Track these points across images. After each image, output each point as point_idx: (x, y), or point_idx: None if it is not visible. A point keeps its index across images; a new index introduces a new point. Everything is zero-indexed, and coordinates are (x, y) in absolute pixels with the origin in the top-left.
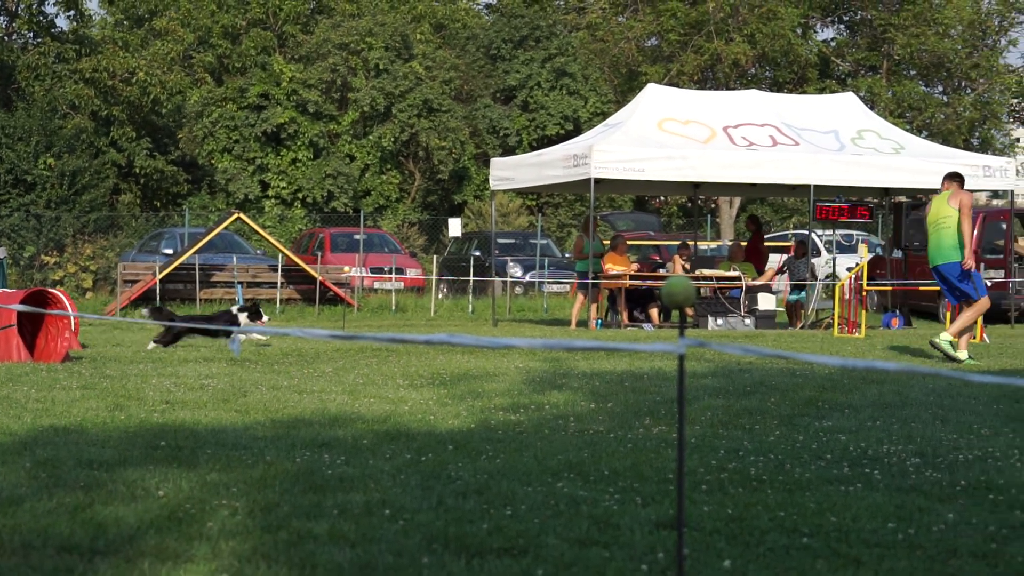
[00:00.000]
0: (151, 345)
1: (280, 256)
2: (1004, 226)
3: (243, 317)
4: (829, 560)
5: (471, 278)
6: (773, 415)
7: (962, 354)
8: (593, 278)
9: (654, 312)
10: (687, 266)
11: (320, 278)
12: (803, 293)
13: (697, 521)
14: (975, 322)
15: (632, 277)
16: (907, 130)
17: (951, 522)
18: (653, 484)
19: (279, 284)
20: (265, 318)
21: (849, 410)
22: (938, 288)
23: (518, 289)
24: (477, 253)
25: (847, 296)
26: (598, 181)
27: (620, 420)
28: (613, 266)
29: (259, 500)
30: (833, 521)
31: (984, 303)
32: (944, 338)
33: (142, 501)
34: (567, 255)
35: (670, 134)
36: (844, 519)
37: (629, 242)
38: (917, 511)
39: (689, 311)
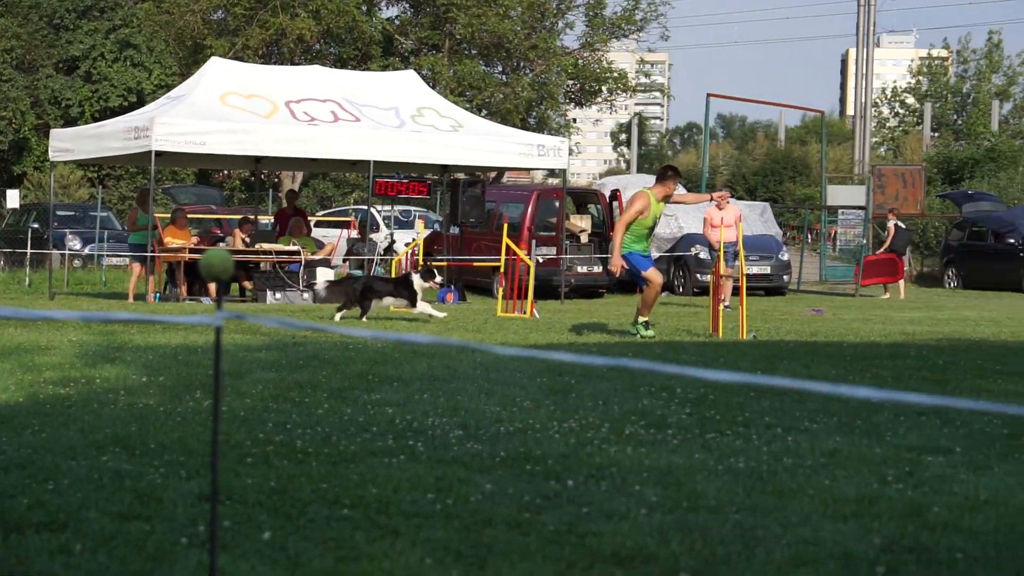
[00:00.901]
0: (337, 316)
1: None
2: (557, 204)
3: (417, 279)
4: (368, 531)
5: (28, 250)
6: (324, 388)
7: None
8: (151, 251)
9: (213, 286)
10: (248, 240)
11: None
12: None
13: (240, 494)
14: (653, 301)
15: (192, 251)
16: (467, 108)
17: (488, 492)
18: (199, 457)
19: None
20: (438, 278)
21: (398, 383)
22: (491, 264)
23: (77, 262)
24: (35, 225)
25: (404, 271)
26: (159, 154)
27: (171, 393)
28: (172, 239)
29: None
30: (375, 492)
31: (653, 280)
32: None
33: None
34: (126, 228)
35: (232, 108)
36: (385, 490)
37: (190, 215)
38: (456, 482)
39: (248, 284)
